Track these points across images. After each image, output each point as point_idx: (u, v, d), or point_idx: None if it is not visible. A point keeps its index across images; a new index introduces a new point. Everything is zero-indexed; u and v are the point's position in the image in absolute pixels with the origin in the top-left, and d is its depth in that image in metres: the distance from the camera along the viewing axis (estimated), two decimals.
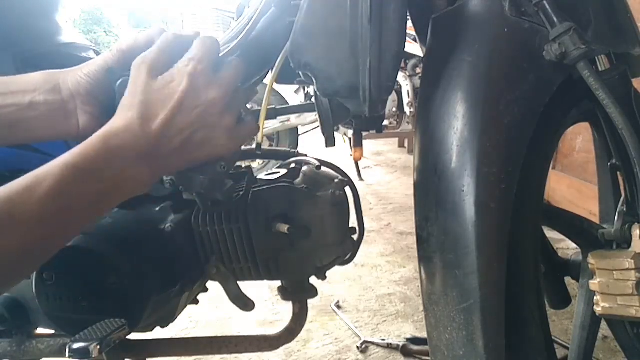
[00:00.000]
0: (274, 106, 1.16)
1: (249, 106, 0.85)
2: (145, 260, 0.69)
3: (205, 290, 0.87)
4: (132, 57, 0.55)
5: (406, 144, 4.29)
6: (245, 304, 0.78)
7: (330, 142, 0.85)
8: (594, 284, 0.62)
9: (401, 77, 2.89)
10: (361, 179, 3.37)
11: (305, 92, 3.25)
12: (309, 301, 0.86)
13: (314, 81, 0.63)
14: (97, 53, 0.90)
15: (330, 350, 1.44)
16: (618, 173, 0.70)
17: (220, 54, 0.61)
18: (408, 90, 2.90)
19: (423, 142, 0.64)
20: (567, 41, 0.53)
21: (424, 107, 0.64)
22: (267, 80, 0.76)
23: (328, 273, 0.80)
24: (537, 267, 0.66)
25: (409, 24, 0.68)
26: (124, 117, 0.51)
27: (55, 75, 0.57)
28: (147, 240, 0.72)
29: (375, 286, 1.84)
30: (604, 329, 0.78)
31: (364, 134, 2.90)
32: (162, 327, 0.80)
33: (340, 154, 3.27)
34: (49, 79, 0.56)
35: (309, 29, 0.61)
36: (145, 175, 0.52)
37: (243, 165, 1.10)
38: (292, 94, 3.34)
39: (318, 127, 0.80)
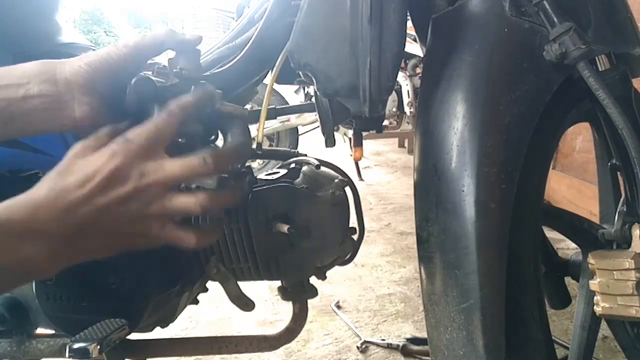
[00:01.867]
0: (274, 106, 1.17)
1: (248, 107, 0.85)
2: (145, 260, 0.69)
3: (205, 290, 0.87)
4: (138, 55, 0.55)
5: (406, 144, 4.30)
6: (245, 304, 0.78)
7: (330, 142, 0.86)
8: (594, 284, 0.62)
9: (401, 77, 2.89)
10: (361, 179, 3.37)
11: (305, 92, 3.25)
12: (309, 301, 0.86)
13: (314, 81, 0.63)
14: None
15: (330, 350, 1.44)
16: (618, 173, 0.70)
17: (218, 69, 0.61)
18: (408, 90, 2.90)
19: (423, 142, 0.64)
20: (567, 41, 0.53)
21: (424, 107, 0.64)
22: (267, 80, 0.76)
23: (328, 273, 0.80)
24: (537, 267, 0.66)
25: (409, 24, 0.68)
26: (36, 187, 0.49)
27: (51, 65, 0.55)
28: None
29: (375, 286, 1.84)
30: (604, 329, 0.78)
31: (364, 134, 2.90)
32: (162, 327, 0.80)
33: (340, 154, 3.27)
34: (43, 69, 0.54)
35: (309, 29, 0.61)
36: (41, 256, 0.47)
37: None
38: (292, 94, 3.34)
39: (318, 127, 0.80)
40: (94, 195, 0.47)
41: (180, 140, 0.56)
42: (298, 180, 0.77)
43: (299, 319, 0.86)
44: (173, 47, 0.58)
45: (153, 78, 0.56)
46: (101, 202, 0.48)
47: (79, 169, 0.49)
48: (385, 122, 2.98)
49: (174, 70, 0.59)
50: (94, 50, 0.89)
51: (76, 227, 0.47)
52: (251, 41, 0.71)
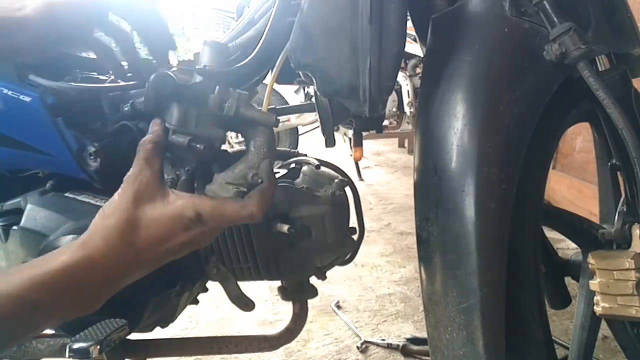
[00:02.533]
0: (274, 106, 1.17)
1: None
2: None
3: (205, 290, 0.87)
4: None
5: (406, 144, 4.29)
6: (245, 304, 0.78)
7: (330, 142, 0.86)
8: (594, 284, 0.62)
9: (401, 77, 2.89)
10: (361, 179, 3.37)
11: (305, 92, 3.25)
12: (309, 301, 0.86)
13: (314, 81, 0.63)
14: None
15: (330, 350, 1.44)
16: (618, 173, 0.70)
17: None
18: (408, 90, 2.90)
19: (423, 142, 0.64)
20: (567, 41, 0.53)
21: (424, 107, 0.64)
22: (267, 80, 0.76)
23: (328, 273, 0.80)
24: (537, 267, 0.66)
25: (409, 24, 0.68)
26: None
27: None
28: None
29: (375, 286, 1.84)
30: (604, 329, 0.78)
31: (364, 134, 2.91)
32: (162, 327, 0.80)
33: (340, 154, 3.27)
34: None
35: (309, 29, 0.61)
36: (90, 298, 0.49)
37: None
38: (292, 94, 3.34)
39: (318, 127, 0.80)
40: (163, 255, 0.51)
41: (199, 145, 0.54)
42: (298, 180, 0.77)
43: (299, 319, 0.86)
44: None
45: (173, 75, 0.54)
46: (168, 255, 0.52)
47: (150, 226, 0.50)
48: (385, 122, 2.98)
49: (198, 67, 0.56)
50: None
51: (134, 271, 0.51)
52: (251, 41, 0.71)
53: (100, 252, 0.48)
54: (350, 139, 3.04)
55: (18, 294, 0.43)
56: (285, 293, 0.84)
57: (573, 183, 2.30)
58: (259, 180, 0.54)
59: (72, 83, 0.73)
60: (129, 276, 0.51)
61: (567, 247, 1.63)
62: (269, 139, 0.56)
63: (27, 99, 0.69)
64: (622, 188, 0.69)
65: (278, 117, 0.56)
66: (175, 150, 0.56)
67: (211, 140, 0.55)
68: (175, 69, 0.57)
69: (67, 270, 0.46)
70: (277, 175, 0.78)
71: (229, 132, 0.61)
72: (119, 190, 0.51)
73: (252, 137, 0.56)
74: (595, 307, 0.63)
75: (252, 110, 0.55)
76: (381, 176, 3.55)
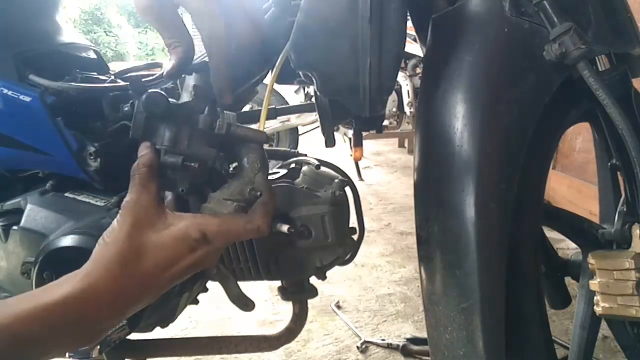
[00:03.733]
0: (274, 106, 1.17)
1: (248, 107, 0.85)
2: None
3: (205, 290, 0.87)
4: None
5: (406, 144, 4.30)
6: (245, 304, 0.78)
7: (330, 142, 0.85)
8: (594, 284, 0.62)
9: (401, 77, 2.90)
10: (361, 179, 3.37)
11: (305, 92, 3.25)
12: (309, 301, 0.86)
13: (314, 81, 0.63)
14: (97, 53, 0.90)
15: (330, 350, 1.44)
16: (618, 173, 0.70)
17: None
18: (408, 90, 2.90)
19: (423, 142, 0.64)
20: (567, 41, 0.53)
21: (424, 107, 0.64)
22: (267, 80, 0.76)
23: (328, 273, 0.80)
24: (537, 267, 0.66)
25: (409, 24, 0.68)
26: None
27: None
28: None
29: (375, 286, 1.84)
30: (604, 329, 0.78)
31: (364, 134, 2.90)
32: (162, 327, 0.80)
33: (340, 154, 3.27)
34: None
35: (309, 29, 0.61)
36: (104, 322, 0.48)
37: None
38: (292, 94, 3.34)
39: (318, 127, 0.80)
40: (169, 280, 0.50)
41: (193, 164, 0.53)
42: (298, 180, 0.77)
43: (299, 319, 0.86)
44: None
45: (163, 93, 0.53)
46: (173, 280, 0.50)
47: (154, 252, 0.49)
48: (385, 122, 2.98)
49: (189, 88, 0.56)
50: (94, 50, 0.89)
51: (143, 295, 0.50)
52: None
53: (104, 283, 0.46)
54: (350, 139, 3.05)
55: (14, 328, 0.41)
56: (285, 293, 0.84)
57: (573, 183, 2.30)
58: (258, 194, 0.54)
59: (72, 83, 0.73)
60: (133, 306, 0.49)
61: (567, 247, 1.63)
62: (261, 154, 0.57)
63: (27, 99, 0.69)
64: (622, 188, 0.69)
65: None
66: (167, 171, 0.55)
67: (204, 159, 0.54)
68: (159, 86, 0.58)
69: (68, 303, 0.44)
70: (277, 175, 0.78)
71: None
72: (118, 217, 0.50)
73: (244, 155, 0.56)
74: (595, 307, 0.63)
75: (242, 128, 0.56)
76: (381, 176, 3.55)
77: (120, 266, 0.47)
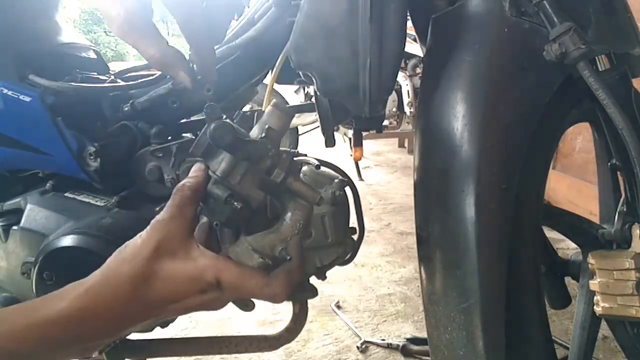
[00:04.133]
0: None
1: (248, 107, 0.85)
2: None
3: None
4: None
5: (406, 144, 4.29)
6: (245, 304, 0.78)
7: (330, 142, 0.85)
8: (594, 284, 0.62)
9: (401, 77, 2.89)
10: (361, 179, 3.37)
11: (305, 92, 3.25)
12: (309, 301, 0.86)
13: (314, 81, 0.63)
14: (97, 53, 0.90)
15: (330, 350, 1.44)
16: (618, 173, 0.70)
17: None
18: (408, 90, 2.90)
19: (423, 142, 0.64)
20: (567, 41, 0.53)
21: (424, 107, 0.64)
22: (267, 80, 0.76)
23: (328, 273, 0.80)
24: (537, 267, 0.66)
25: (409, 24, 0.68)
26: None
27: None
28: None
29: (375, 286, 1.84)
30: (604, 329, 0.78)
31: (364, 134, 2.90)
32: (162, 327, 0.80)
33: (340, 154, 3.27)
34: None
35: (309, 29, 0.61)
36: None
37: None
38: (292, 94, 3.34)
39: (318, 127, 0.80)
40: (171, 313, 0.48)
41: (236, 203, 0.50)
42: None
43: (299, 319, 0.86)
44: None
45: (234, 126, 0.51)
46: (175, 313, 0.48)
47: (164, 284, 0.46)
48: (385, 122, 2.98)
49: (264, 126, 0.53)
50: (94, 50, 0.89)
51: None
52: (251, 41, 0.71)
53: (105, 303, 0.44)
54: (350, 139, 3.05)
55: (10, 347, 0.40)
56: None
57: (573, 183, 2.30)
58: (288, 257, 0.51)
59: (72, 83, 0.74)
60: (130, 328, 0.47)
61: (567, 247, 1.63)
62: (307, 216, 0.54)
63: (27, 99, 0.69)
64: (622, 188, 0.69)
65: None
66: (210, 200, 0.52)
67: (249, 200, 0.52)
68: (232, 118, 0.54)
69: (65, 319, 0.43)
70: None
71: None
72: (144, 233, 0.47)
73: (290, 210, 0.54)
74: (595, 307, 0.63)
75: (299, 182, 0.54)
76: (381, 176, 3.55)
77: (127, 289, 0.45)
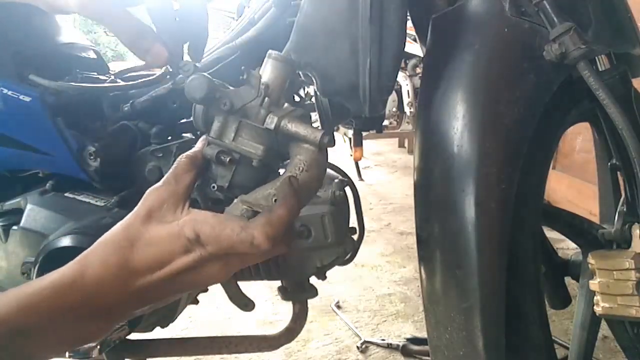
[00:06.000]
0: None
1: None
2: None
3: (205, 290, 0.87)
4: None
5: (406, 144, 4.29)
6: (245, 304, 0.78)
7: (330, 142, 0.85)
8: (594, 284, 0.62)
9: (401, 77, 2.89)
10: (361, 179, 3.37)
11: (305, 92, 3.25)
12: (309, 301, 0.86)
13: (314, 81, 0.63)
14: (97, 53, 0.90)
15: (330, 350, 1.44)
16: (618, 173, 0.70)
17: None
18: (408, 90, 2.90)
19: (423, 142, 0.64)
20: (567, 41, 0.53)
21: (424, 107, 0.64)
22: None
23: (328, 273, 0.80)
24: (537, 267, 0.66)
25: (409, 24, 0.68)
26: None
27: None
28: None
29: (375, 286, 1.84)
30: (604, 329, 0.78)
31: (364, 134, 2.90)
32: (162, 327, 0.80)
33: (340, 154, 3.27)
34: None
35: (309, 29, 0.61)
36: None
37: None
38: None
39: (318, 127, 0.80)
40: (160, 285, 0.45)
41: (223, 157, 0.48)
42: None
43: (299, 319, 0.86)
44: None
45: (210, 78, 0.48)
46: (165, 286, 0.45)
47: (147, 246, 0.44)
48: (385, 122, 2.98)
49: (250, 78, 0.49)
50: (94, 50, 0.89)
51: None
52: (251, 41, 0.71)
53: (93, 270, 0.43)
54: (350, 139, 3.04)
55: (2, 319, 0.39)
56: (285, 293, 0.84)
57: (573, 183, 2.30)
58: (273, 200, 0.46)
59: (72, 83, 0.74)
60: (125, 304, 0.45)
61: (567, 247, 1.63)
62: (312, 159, 0.48)
63: (27, 99, 0.69)
64: (622, 188, 0.69)
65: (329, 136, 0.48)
66: (212, 165, 0.49)
67: (247, 156, 0.48)
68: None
69: (56, 289, 0.42)
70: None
71: None
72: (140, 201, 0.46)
73: (294, 156, 0.49)
74: (595, 307, 0.63)
75: (296, 124, 0.48)
76: (381, 176, 3.55)
77: (113, 253, 0.43)
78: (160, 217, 0.45)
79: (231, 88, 0.50)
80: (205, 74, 0.48)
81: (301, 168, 0.48)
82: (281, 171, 0.51)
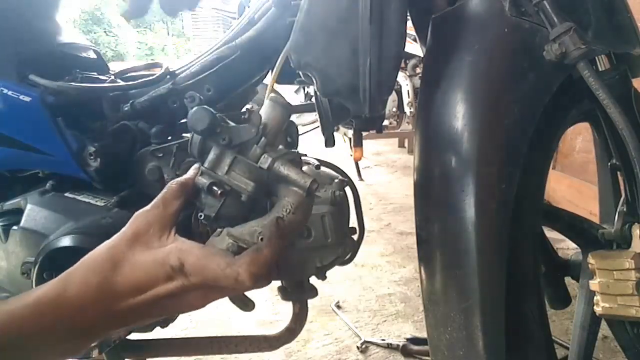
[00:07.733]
0: None
1: (248, 107, 0.85)
2: None
3: None
4: None
5: (406, 144, 4.29)
6: (245, 304, 0.78)
7: (330, 142, 0.85)
8: (594, 284, 0.62)
9: (401, 77, 2.89)
10: (361, 179, 3.37)
11: (305, 92, 3.25)
12: (309, 301, 0.86)
13: (314, 81, 0.63)
14: (97, 53, 0.90)
15: (330, 350, 1.44)
16: (618, 173, 0.70)
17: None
18: (408, 90, 2.90)
19: (423, 142, 0.64)
20: (567, 41, 0.53)
21: (424, 107, 0.64)
22: (267, 80, 0.76)
23: (328, 273, 0.80)
24: (537, 267, 0.66)
25: (409, 24, 0.68)
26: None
27: None
28: None
29: (375, 286, 1.84)
30: (604, 329, 0.78)
31: (364, 134, 2.90)
32: (162, 327, 0.80)
33: (340, 154, 3.27)
34: None
35: (309, 29, 0.61)
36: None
37: None
38: (292, 94, 3.34)
39: (318, 127, 0.80)
40: (142, 309, 0.45)
41: (216, 188, 0.49)
42: None
43: (299, 319, 0.86)
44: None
45: (213, 111, 0.50)
46: (147, 310, 0.46)
47: (131, 270, 0.45)
48: (385, 122, 2.97)
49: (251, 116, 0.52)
50: (94, 50, 0.89)
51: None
52: (251, 41, 0.71)
53: (76, 288, 0.43)
54: (350, 139, 3.04)
55: None
56: (285, 293, 0.84)
57: (573, 183, 2.30)
58: (259, 239, 0.47)
59: (72, 83, 0.74)
60: (104, 324, 0.45)
61: (567, 247, 1.63)
62: (300, 203, 0.50)
63: (27, 99, 0.69)
64: (622, 188, 0.69)
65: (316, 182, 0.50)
66: (202, 195, 0.50)
67: (239, 191, 0.50)
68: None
69: (40, 305, 0.42)
70: None
71: None
72: (128, 223, 0.47)
73: (282, 197, 0.50)
74: (595, 307, 0.63)
75: (288, 167, 0.50)
76: (381, 176, 3.55)
77: (96, 274, 0.44)
78: (146, 241, 0.46)
79: (232, 124, 0.52)
80: (207, 107, 0.50)
81: (288, 210, 0.50)
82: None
